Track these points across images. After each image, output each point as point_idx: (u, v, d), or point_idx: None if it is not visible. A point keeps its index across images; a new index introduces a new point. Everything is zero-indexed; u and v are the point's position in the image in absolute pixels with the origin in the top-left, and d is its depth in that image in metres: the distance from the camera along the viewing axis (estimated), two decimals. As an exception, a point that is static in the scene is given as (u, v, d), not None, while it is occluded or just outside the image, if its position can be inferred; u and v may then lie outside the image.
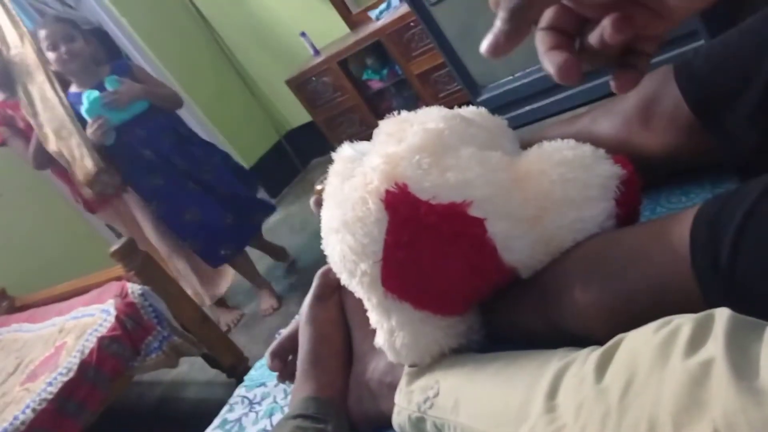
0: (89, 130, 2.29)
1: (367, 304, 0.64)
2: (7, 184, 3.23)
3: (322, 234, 0.63)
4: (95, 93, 2.29)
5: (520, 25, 0.39)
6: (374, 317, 0.63)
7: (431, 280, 0.59)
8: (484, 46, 0.40)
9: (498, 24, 0.39)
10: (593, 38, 0.40)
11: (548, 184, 0.58)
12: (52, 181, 3.44)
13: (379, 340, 0.63)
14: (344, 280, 0.63)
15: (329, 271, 0.72)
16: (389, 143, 0.61)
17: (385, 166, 0.57)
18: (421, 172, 0.57)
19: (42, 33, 2.32)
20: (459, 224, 0.56)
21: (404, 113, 0.66)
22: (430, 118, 0.62)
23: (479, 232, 0.56)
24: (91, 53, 2.38)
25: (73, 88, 2.39)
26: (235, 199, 2.54)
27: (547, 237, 0.57)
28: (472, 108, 0.73)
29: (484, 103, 1.93)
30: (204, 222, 2.44)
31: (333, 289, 0.75)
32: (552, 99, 1.71)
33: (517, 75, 1.84)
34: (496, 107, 1.92)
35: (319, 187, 0.75)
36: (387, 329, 0.62)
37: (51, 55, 2.32)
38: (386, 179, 0.56)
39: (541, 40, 0.42)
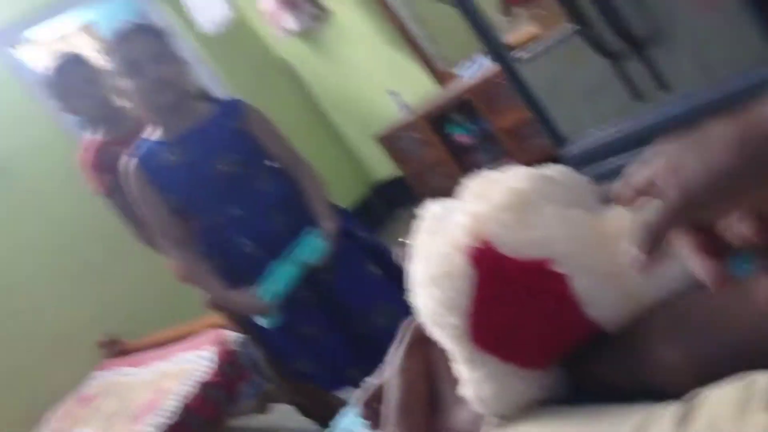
0: (248, 304, 1.66)
1: (453, 356, 0.67)
2: (120, 234, 3.47)
3: (410, 287, 0.67)
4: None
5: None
6: (461, 368, 0.66)
7: (517, 333, 0.61)
8: (637, 263, 0.42)
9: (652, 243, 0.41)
10: (743, 229, 0.41)
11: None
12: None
13: (465, 390, 0.65)
14: (432, 333, 0.66)
15: (416, 321, 0.75)
16: (475, 201, 0.65)
17: (471, 224, 0.61)
18: (506, 230, 0.60)
19: (118, 50, 1.58)
20: (542, 280, 0.59)
21: (490, 172, 0.70)
22: (515, 177, 0.66)
23: (562, 287, 0.58)
24: (186, 82, 1.66)
25: (153, 135, 1.66)
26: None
27: (631, 293, 0.59)
28: (556, 167, 0.76)
29: (571, 156, 1.94)
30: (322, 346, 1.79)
31: (420, 340, 0.78)
32: (641, 150, 1.70)
33: (605, 127, 1.84)
34: (584, 160, 1.92)
35: (404, 241, 0.79)
36: (473, 380, 0.64)
37: (129, 84, 1.58)
38: (472, 236, 0.60)
39: (686, 239, 0.43)
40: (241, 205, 1.67)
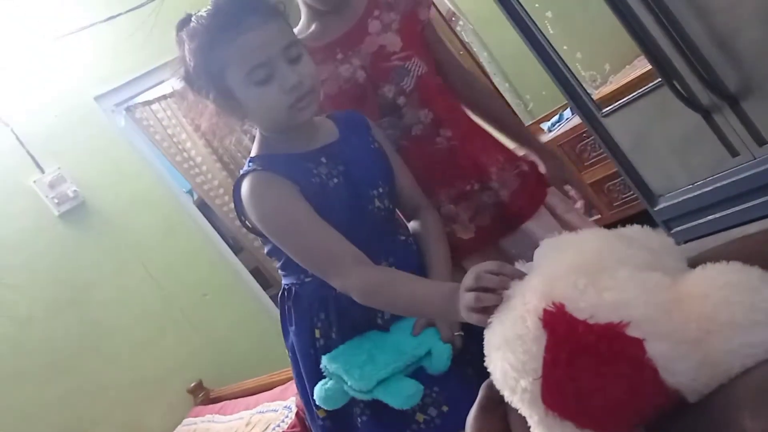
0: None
1: (529, 421, 0.66)
2: (212, 284, 3.62)
3: (485, 351, 0.67)
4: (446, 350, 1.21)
5: None
6: None
7: (591, 399, 0.60)
8: None
9: None
10: None
11: (711, 306, 0.57)
12: (248, 282, 3.80)
13: None
14: (506, 396, 0.65)
15: (490, 383, 0.75)
16: (549, 264, 0.64)
17: (542, 287, 0.61)
18: (578, 292, 0.59)
19: (226, 44, 1.14)
20: (617, 344, 0.57)
21: (565, 233, 0.70)
22: (589, 239, 0.65)
23: (638, 352, 0.57)
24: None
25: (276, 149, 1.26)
26: None
27: (713, 361, 0.57)
28: (635, 227, 0.74)
29: (661, 212, 1.88)
30: None
31: (498, 402, 0.77)
32: (735, 209, 1.63)
33: (697, 183, 1.78)
34: (674, 217, 1.85)
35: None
36: None
37: (251, 95, 1.17)
38: (544, 299, 0.60)
39: None
40: (395, 257, 1.28)
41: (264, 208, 1.20)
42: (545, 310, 0.59)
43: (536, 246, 0.70)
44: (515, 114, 1.73)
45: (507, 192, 1.47)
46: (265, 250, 1.33)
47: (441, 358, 1.19)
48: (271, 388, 2.40)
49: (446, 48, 1.60)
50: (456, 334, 1.22)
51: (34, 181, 3.40)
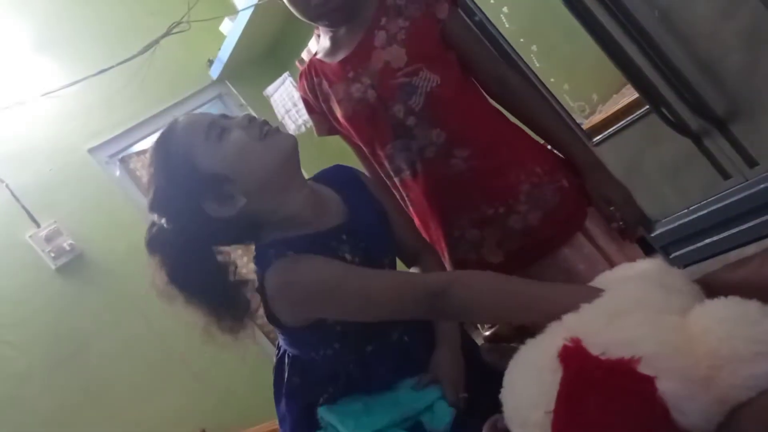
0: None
1: None
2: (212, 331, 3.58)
3: (504, 382, 0.67)
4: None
5: None
6: None
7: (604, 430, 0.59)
8: None
9: None
10: None
11: (716, 341, 0.58)
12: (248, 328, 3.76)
13: None
14: (515, 430, 0.65)
15: (498, 420, 0.74)
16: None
17: (569, 323, 0.62)
18: (596, 330, 0.60)
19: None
20: (628, 380, 0.57)
21: (624, 266, 0.70)
22: (617, 281, 0.66)
23: (649, 389, 0.57)
24: None
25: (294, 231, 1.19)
26: None
27: (722, 397, 0.56)
28: (652, 262, 0.75)
29: (658, 238, 1.87)
30: None
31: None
32: (730, 232, 1.63)
33: (691, 207, 1.78)
34: (671, 242, 1.85)
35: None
36: None
37: (233, 141, 1.15)
38: (567, 334, 0.60)
39: None
40: (407, 332, 1.22)
41: (306, 282, 1.09)
42: (564, 345, 0.59)
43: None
44: (558, 115, 1.51)
45: (539, 214, 1.32)
46: (286, 341, 1.24)
47: (442, 415, 1.13)
48: (276, 435, 2.37)
49: (476, 40, 1.45)
50: (461, 396, 1.17)
51: (30, 236, 3.40)
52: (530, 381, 0.60)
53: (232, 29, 3.38)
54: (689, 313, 0.63)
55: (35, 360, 3.22)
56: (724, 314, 0.59)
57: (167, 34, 3.53)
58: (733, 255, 0.84)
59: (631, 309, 0.62)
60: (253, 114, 1.26)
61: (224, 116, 1.18)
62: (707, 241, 1.71)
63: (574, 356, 0.59)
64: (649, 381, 0.56)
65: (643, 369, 0.57)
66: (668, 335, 0.59)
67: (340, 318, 1.14)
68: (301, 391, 1.25)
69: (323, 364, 1.22)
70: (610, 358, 0.58)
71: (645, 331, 0.59)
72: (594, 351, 0.58)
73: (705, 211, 1.71)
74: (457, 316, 1.09)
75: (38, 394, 3.19)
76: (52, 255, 3.37)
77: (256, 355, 3.65)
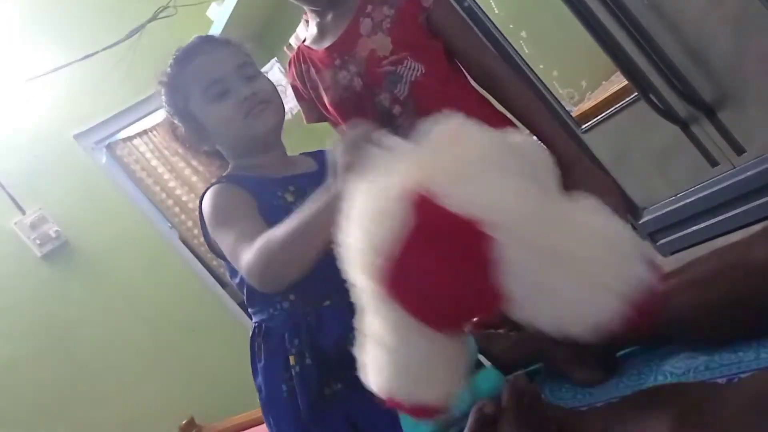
0: None
1: (365, 305, 0.67)
2: (200, 318, 3.58)
3: (343, 223, 0.66)
4: None
5: None
6: (369, 320, 0.67)
7: (433, 287, 0.61)
8: None
9: None
10: None
11: (575, 242, 0.59)
12: (236, 314, 3.77)
13: (368, 347, 0.67)
14: (352, 274, 0.65)
15: (485, 405, 0.74)
16: (435, 148, 0.65)
17: (422, 169, 0.61)
18: (454, 184, 0.60)
19: (190, 68, 1.23)
20: (470, 237, 0.57)
21: (463, 121, 0.69)
22: (485, 137, 0.66)
23: (487, 249, 0.57)
24: (283, 107, 1.28)
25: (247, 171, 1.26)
26: None
27: (554, 288, 0.58)
28: (523, 136, 0.77)
29: (646, 225, 1.88)
30: None
31: (490, 424, 0.76)
32: (718, 219, 1.64)
33: (679, 194, 1.79)
34: (658, 229, 1.86)
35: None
36: (377, 336, 0.65)
37: (211, 112, 1.22)
38: (420, 181, 0.60)
39: None
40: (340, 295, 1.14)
41: (213, 207, 1.18)
42: (418, 194, 0.58)
43: None
44: (543, 107, 1.46)
45: None
46: (235, 282, 1.29)
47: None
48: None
49: (463, 30, 1.43)
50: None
51: (15, 223, 3.37)
52: (376, 222, 0.60)
53: (219, 14, 3.34)
54: (571, 201, 0.63)
55: (21, 348, 3.20)
56: (609, 231, 0.60)
57: (153, 18, 3.49)
58: (720, 241, 0.84)
59: (496, 168, 0.62)
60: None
61: (244, 65, 1.24)
62: (695, 227, 1.72)
63: (427, 205, 0.58)
64: (489, 242, 0.57)
65: (489, 230, 0.57)
66: (530, 207, 0.60)
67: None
68: (265, 353, 1.28)
69: (280, 321, 1.25)
70: (460, 214, 0.58)
71: (505, 197, 0.58)
72: (447, 204, 0.58)
73: (692, 198, 1.72)
74: (275, 281, 1.03)
75: (24, 382, 3.17)
76: (38, 242, 3.33)
77: (244, 341, 3.65)
